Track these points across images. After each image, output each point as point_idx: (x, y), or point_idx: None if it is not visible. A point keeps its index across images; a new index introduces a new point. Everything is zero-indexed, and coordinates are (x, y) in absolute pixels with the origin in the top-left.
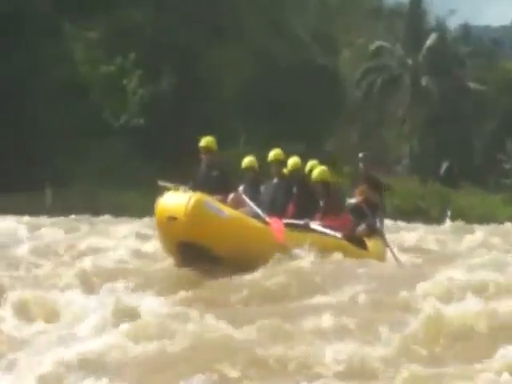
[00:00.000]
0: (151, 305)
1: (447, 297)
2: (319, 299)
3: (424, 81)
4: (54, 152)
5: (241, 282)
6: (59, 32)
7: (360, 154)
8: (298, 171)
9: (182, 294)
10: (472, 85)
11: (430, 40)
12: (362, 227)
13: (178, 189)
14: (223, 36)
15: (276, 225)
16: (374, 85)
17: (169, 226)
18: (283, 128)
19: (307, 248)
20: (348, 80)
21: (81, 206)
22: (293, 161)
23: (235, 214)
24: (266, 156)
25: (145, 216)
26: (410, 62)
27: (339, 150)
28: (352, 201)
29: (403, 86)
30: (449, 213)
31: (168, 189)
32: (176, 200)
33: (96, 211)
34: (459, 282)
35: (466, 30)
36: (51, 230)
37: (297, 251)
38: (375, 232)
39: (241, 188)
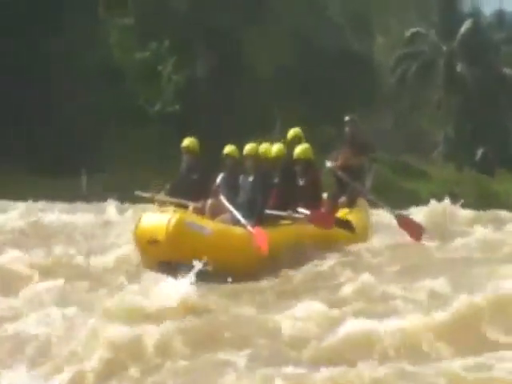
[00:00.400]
0: None
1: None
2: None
3: (459, 67)
4: (90, 138)
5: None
6: (94, 18)
7: (346, 118)
8: (280, 159)
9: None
10: (507, 71)
11: (465, 26)
12: (341, 200)
13: (154, 199)
14: (258, 20)
15: (260, 237)
16: (408, 71)
17: (150, 249)
18: (319, 113)
19: (290, 250)
20: (382, 66)
21: (116, 192)
22: (277, 148)
23: (217, 228)
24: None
25: None
26: (444, 48)
27: (374, 136)
28: (328, 164)
29: (438, 72)
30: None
31: (146, 199)
32: (156, 222)
33: (132, 198)
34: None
35: (501, 16)
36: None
37: (283, 255)
38: (357, 199)
39: (220, 177)
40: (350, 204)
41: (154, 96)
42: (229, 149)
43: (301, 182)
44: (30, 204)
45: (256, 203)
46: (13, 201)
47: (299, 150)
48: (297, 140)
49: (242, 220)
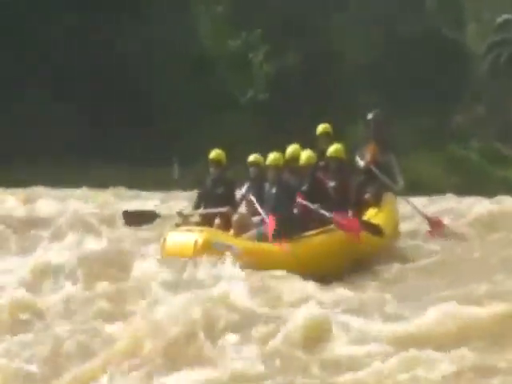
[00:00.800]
0: None
1: None
2: None
3: None
4: (181, 127)
5: None
6: (186, 6)
7: (369, 115)
8: (311, 166)
9: None
10: None
11: None
12: (367, 195)
13: (182, 216)
14: (345, 7)
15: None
16: (500, 58)
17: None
18: (409, 102)
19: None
20: (474, 53)
21: None
22: (308, 155)
23: (244, 246)
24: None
25: None
26: None
27: (467, 125)
28: (361, 163)
29: None
30: None
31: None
32: (182, 241)
33: None
34: None
35: None
36: None
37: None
38: (383, 195)
39: (245, 187)
40: (377, 200)
41: (244, 84)
42: (253, 157)
43: (331, 183)
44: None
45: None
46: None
47: (333, 148)
48: (325, 136)
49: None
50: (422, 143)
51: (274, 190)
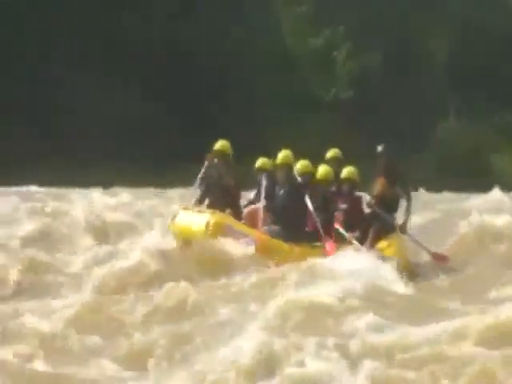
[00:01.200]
0: None
1: None
2: None
3: None
4: (263, 124)
5: None
6: (268, 6)
7: (379, 148)
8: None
9: None
10: None
11: None
12: (371, 233)
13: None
14: (431, 7)
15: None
16: None
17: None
18: (497, 100)
19: None
20: None
21: None
22: (326, 170)
23: (259, 237)
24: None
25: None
26: None
27: None
28: (367, 198)
29: None
30: None
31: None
32: (192, 222)
33: None
34: None
35: None
36: None
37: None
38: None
39: (263, 178)
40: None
41: (327, 83)
42: (260, 162)
43: (343, 206)
44: None
45: (291, 219)
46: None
47: (346, 170)
48: (335, 160)
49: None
50: (504, 140)
51: (283, 190)
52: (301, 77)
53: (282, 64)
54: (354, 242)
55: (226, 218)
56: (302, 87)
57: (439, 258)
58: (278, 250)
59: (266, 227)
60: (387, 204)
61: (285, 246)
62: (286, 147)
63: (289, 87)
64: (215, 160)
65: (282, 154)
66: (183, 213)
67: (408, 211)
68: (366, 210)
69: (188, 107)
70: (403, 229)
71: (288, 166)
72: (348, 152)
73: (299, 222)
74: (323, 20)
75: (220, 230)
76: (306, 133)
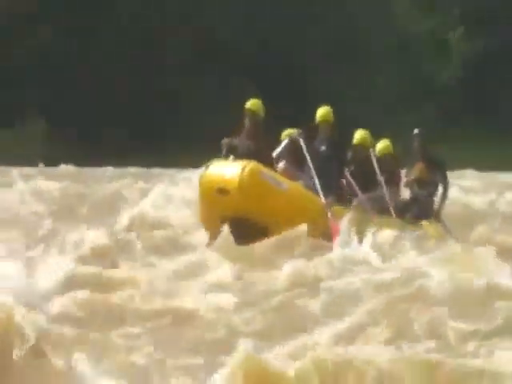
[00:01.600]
0: None
1: None
2: None
3: None
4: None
5: None
6: None
7: (415, 130)
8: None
9: None
10: None
11: None
12: (408, 216)
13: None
14: None
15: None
16: None
17: (218, 201)
18: None
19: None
20: None
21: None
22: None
23: (294, 186)
24: None
25: None
26: None
27: None
28: (408, 180)
29: None
30: None
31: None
32: (226, 170)
33: None
34: None
35: None
36: None
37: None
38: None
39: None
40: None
41: (440, 67)
42: (323, 112)
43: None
44: None
45: (330, 178)
46: None
47: (382, 146)
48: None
49: (320, 192)
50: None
51: (323, 148)
52: (413, 60)
53: (394, 48)
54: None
55: (261, 166)
56: (415, 72)
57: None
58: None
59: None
60: (425, 189)
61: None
62: None
63: (401, 72)
64: (245, 120)
65: (323, 111)
66: (215, 164)
67: (444, 198)
68: (404, 190)
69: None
70: (438, 216)
71: (330, 123)
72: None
73: (337, 181)
74: (438, 1)
75: (255, 178)
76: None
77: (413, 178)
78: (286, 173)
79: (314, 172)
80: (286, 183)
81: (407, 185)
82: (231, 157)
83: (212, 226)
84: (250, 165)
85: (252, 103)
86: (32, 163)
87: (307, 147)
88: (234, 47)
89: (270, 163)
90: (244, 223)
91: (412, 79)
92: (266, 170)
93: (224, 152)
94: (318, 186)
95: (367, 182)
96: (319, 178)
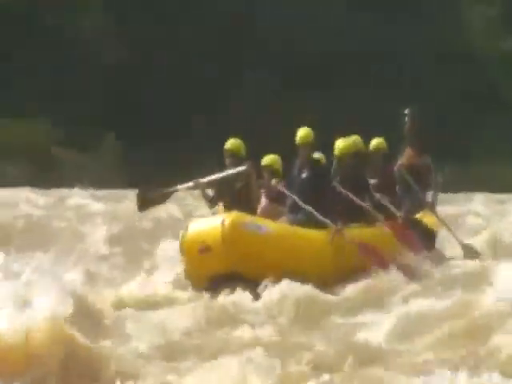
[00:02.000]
0: None
1: None
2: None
3: None
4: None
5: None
6: (457, 6)
7: (406, 110)
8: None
9: None
10: None
11: None
12: (404, 208)
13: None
14: None
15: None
16: None
17: (201, 259)
18: None
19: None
20: None
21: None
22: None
23: (276, 227)
24: None
25: None
26: None
27: None
28: (398, 165)
29: None
30: None
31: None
32: (207, 226)
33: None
34: None
35: None
36: None
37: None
38: (420, 208)
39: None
40: (415, 211)
41: None
42: (268, 159)
43: (372, 181)
44: None
45: (324, 203)
46: None
47: (376, 142)
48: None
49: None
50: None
51: (304, 175)
52: (489, 78)
53: (469, 64)
54: None
55: (241, 215)
56: (488, 88)
57: (470, 253)
58: (299, 237)
59: (285, 217)
60: (417, 174)
61: (310, 232)
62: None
63: (476, 88)
64: (226, 160)
65: (302, 133)
66: (194, 222)
67: (436, 187)
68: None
69: None
70: (432, 207)
71: (310, 145)
72: None
73: (332, 203)
74: None
75: (238, 230)
76: (494, 134)
77: (400, 163)
78: (267, 212)
79: (310, 207)
80: (269, 226)
81: (396, 172)
82: (219, 204)
83: (199, 284)
84: (229, 217)
85: (232, 144)
86: None
87: (287, 176)
88: None
89: (251, 207)
90: (233, 278)
91: (484, 96)
92: (247, 219)
93: (212, 198)
94: (319, 216)
95: (359, 188)
96: (313, 207)
